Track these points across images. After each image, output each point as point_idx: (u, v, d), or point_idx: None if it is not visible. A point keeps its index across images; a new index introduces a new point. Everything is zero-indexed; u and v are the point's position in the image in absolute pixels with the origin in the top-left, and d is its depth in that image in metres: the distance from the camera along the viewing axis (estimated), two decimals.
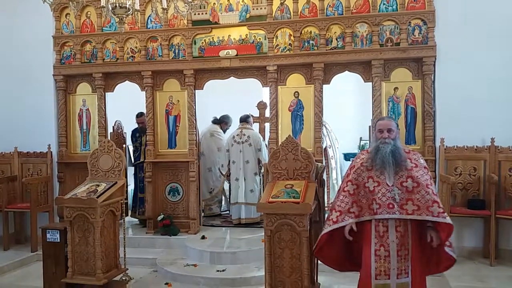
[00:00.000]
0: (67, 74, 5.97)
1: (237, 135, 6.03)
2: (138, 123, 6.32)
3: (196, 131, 5.74)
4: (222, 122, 6.76)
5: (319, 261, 3.89)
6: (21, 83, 6.02)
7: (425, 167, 3.06)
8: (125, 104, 6.73)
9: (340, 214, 3.08)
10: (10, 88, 6.07)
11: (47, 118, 5.98)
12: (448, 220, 2.86)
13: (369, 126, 5.48)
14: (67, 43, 5.96)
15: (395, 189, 2.95)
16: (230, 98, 7.83)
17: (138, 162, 6.32)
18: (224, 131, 6.76)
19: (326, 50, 5.26)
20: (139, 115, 6.26)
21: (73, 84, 6.06)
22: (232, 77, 5.68)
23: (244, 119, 6.16)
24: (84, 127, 6.06)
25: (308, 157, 3.67)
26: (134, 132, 6.44)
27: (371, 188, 3.01)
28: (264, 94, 6.51)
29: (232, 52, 5.47)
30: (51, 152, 5.93)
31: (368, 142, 6.55)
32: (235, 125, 6.52)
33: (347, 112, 8.49)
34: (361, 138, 8.59)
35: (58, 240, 4.14)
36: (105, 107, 5.94)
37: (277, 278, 3.39)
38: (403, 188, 2.94)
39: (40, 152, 5.97)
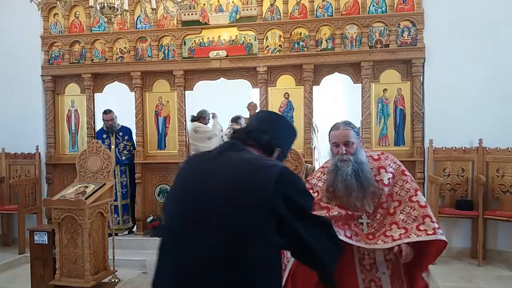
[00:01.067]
0: (55, 74, 5.91)
1: (225, 134, 6.02)
2: (106, 120, 5.70)
3: (186, 132, 5.72)
4: (200, 117, 6.47)
5: None
6: (9, 83, 5.95)
7: (403, 171, 2.37)
8: (114, 105, 6.67)
9: None
10: None
11: (35, 119, 5.91)
12: (444, 237, 2.22)
13: (358, 128, 5.50)
14: (56, 43, 5.91)
15: (364, 217, 2.27)
16: (220, 98, 7.82)
17: None
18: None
19: (316, 51, 5.28)
20: (107, 112, 5.70)
21: (62, 84, 6.00)
22: (222, 78, 5.67)
23: (235, 120, 6.15)
24: (73, 128, 6.00)
25: (298, 158, 3.68)
26: (99, 133, 5.82)
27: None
28: (254, 95, 6.50)
29: (222, 53, 5.46)
30: (39, 153, 5.86)
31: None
32: (223, 123, 6.46)
33: (336, 113, 8.51)
34: None
35: (46, 242, 4.10)
36: (93, 108, 5.89)
37: None
38: (383, 211, 2.28)
39: (28, 153, 5.89)
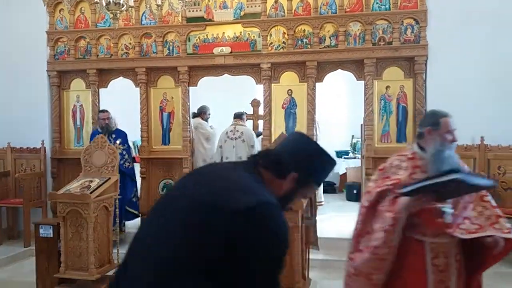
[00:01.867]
0: (61, 70, 5.97)
1: (230, 131, 6.05)
2: (101, 119, 5.55)
3: (189, 128, 5.76)
4: (201, 113, 6.54)
5: (310, 257, 3.95)
6: (15, 78, 6.00)
7: (471, 172, 2.39)
8: (119, 100, 6.73)
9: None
10: (4, 83, 6.04)
11: (41, 114, 5.97)
12: None
13: (361, 125, 5.53)
14: (61, 38, 5.95)
15: (448, 206, 2.21)
16: (224, 95, 7.87)
17: None
18: (206, 120, 6.54)
19: (320, 48, 5.30)
20: (104, 111, 5.61)
21: (67, 80, 6.05)
22: (226, 75, 5.70)
23: (239, 116, 6.18)
24: (78, 123, 6.06)
25: None
26: (94, 133, 5.58)
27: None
28: (258, 91, 6.53)
29: (226, 50, 5.49)
30: (45, 147, 5.93)
31: (359, 140, 6.63)
32: (226, 119, 6.49)
33: (339, 110, 8.57)
34: (353, 136, 8.69)
35: (51, 235, 4.15)
36: (99, 103, 5.94)
37: None
38: (460, 204, 2.29)
39: (34, 147, 5.96)
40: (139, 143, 5.95)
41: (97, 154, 4.44)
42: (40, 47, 5.96)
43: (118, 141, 5.43)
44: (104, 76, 5.95)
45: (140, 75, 5.71)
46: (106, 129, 5.49)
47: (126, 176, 5.45)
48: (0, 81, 6.06)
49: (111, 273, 4.35)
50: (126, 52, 5.79)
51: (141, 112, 5.79)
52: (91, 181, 4.25)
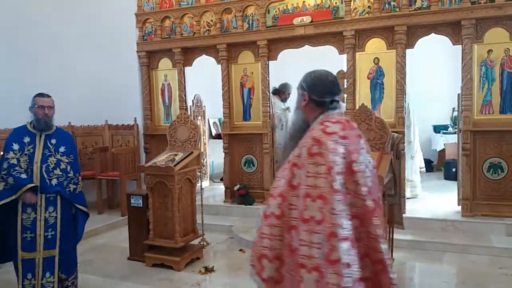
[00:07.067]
0: (149, 50, 6.26)
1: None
2: (40, 107, 3.22)
3: (269, 103, 5.69)
4: (279, 92, 6.20)
5: (396, 237, 3.71)
6: (109, 60, 6.44)
7: None
8: (204, 78, 6.89)
9: None
10: (100, 65, 6.50)
11: (133, 93, 6.37)
12: None
13: (458, 94, 4.99)
14: (148, 19, 6.22)
15: None
16: (305, 68, 7.64)
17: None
18: (284, 100, 6.21)
19: (409, 11, 4.84)
20: (45, 95, 3.28)
21: (155, 59, 6.34)
22: (306, 45, 5.49)
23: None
24: (167, 101, 6.35)
25: (383, 126, 3.44)
26: (18, 131, 3.28)
27: None
28: (344, 62, 6.21)
29: (307, 19, 5.26)
30: (137, 124, 6.32)
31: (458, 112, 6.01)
32: None
33: (437, 79, 7.85)
34: (453, 108, 7.90)
35: (141, 205, 4.44)
36: (184, 82, 6.15)
37: None
38: None
39: (128, 124, 6.39)
40: (222, 120, 6.06)
41: (181, 130, 4.61)
42: (130, 29, 6.30)
43: (62, 149, 3.31)
44: (188, 54, 6.11)
45: (221, 52, 5.75)
46: (45, 125, 3.27)
47: (74, 207, 3.36)
48: (96, 63, 6.52)
49: (195, 242, 4.54)
50: (208, 29, 5.87)
51: (222, 89, 5.86)
52: (176, 155, 4.43)
